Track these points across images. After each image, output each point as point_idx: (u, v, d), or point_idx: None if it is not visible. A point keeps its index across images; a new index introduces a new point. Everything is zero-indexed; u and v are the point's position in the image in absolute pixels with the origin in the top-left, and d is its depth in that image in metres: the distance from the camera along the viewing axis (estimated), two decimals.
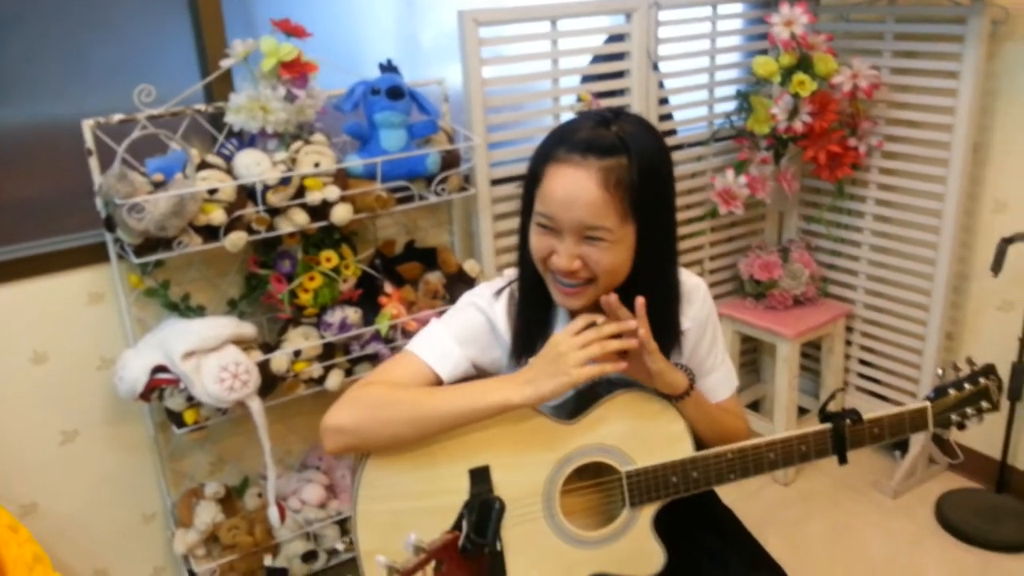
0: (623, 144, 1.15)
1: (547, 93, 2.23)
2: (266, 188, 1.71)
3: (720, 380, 1.40)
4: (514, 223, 2.19)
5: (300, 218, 1.77)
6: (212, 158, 1.73)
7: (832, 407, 1.32)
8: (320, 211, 1.79)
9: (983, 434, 2.46)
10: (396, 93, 1.87)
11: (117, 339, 1.82)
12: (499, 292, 1.32)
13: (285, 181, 1.73)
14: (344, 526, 1.97)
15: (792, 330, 2.45)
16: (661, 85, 2.40)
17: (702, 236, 2.63)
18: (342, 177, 1.82)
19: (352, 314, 1.87)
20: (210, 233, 1.70)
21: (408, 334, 1.92)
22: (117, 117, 1.70)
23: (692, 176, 2.54)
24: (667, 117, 2.47)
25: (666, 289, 1.28)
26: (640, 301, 1.17)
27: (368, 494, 1.19)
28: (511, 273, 1.34)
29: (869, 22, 2.44)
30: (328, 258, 1.85)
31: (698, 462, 1.25)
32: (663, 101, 2.44)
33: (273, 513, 1.80)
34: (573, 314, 1.24)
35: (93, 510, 1.89)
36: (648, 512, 1.26)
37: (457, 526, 0.86)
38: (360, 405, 1.19)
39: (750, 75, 2.42)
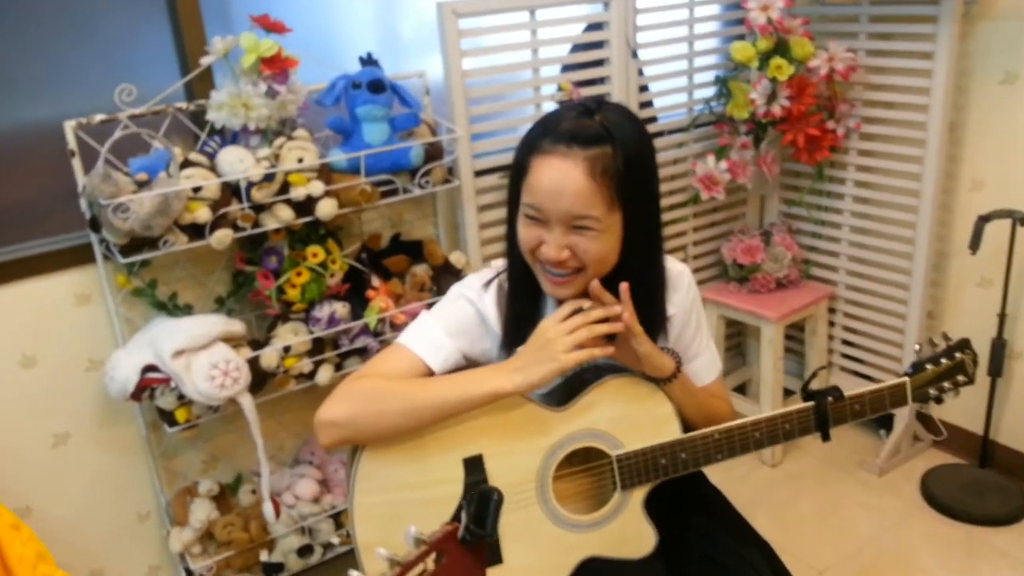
0: (607, 133, 1.16)
1: (528, 83, 2.24)
2: (250, 185, 1.72)
3: (705, 364, 1.43)
4: (499, 214, 2.20)
5: (285, 214, 1.77)
6: (195, 156, 1.73)
7: (815, 385, 1.34)
8: (305, 207, 1.79)
9: (966, 411, 2.50)
10: (377, 87, 1.87)
11: (106, 340, 1.82)
12: (488, 283, 1.33)
13: (269, 177, 1.73)
14: (339, 520, 1.98)
15: (776, 313, 2.48)
16: (641, 73, 2.42)
17: (685, 222, 2.65)
18: (326, 172, 1.82)
19: (340, 308, 1.88)
20: (196, 231, 1.70)
21: (396, 327, 1.93)
22: (99, 117, 1.69)
23: (674, 163, 2.56)
24: (647, 104, 2.49)
25: (652, 275, 1.30)
26: (624, 286, 1.18)
27: (364, 487, 1.21)
28: (499, 264, 1.35)
29: (844, 5, 2.46)
30: (314, 253, 1.85)
31: (686, 443, 1.28)
32: (643, 88, 2.45)
33: (268, 509, 1.81)
34: (561, 302, 1.25)
35: (87, 511, 1.90)
36: (639, 494, 1.29)
37: (456, 517, 0.87)
38: (353, 398, 1.20)
39: (728, 61, 2.44)
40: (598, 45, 2.32)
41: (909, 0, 2.27)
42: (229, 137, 1.82)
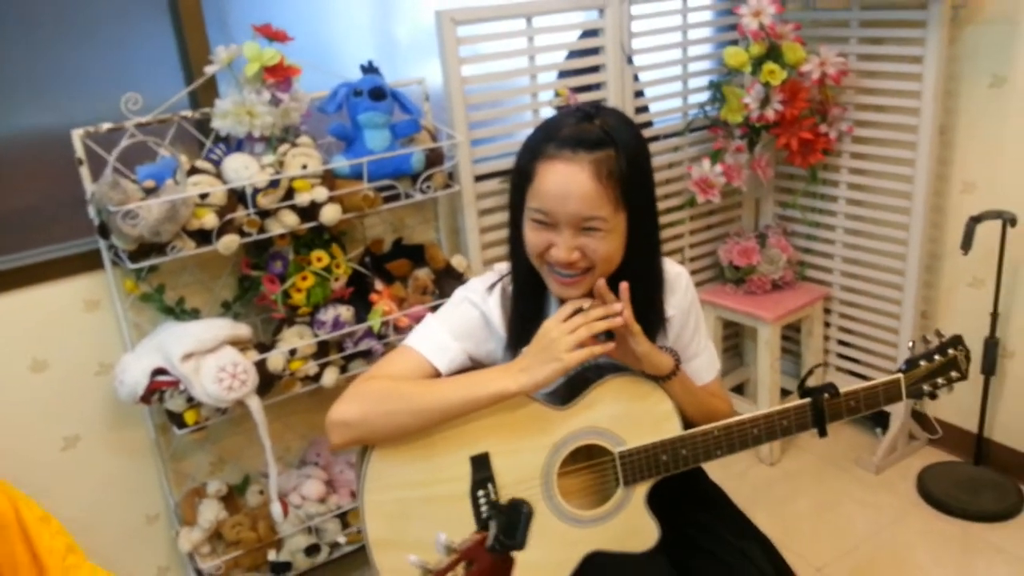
0: (609, 137, 1.20)
1: (526, 89, 2.28)
2: (256, 191, 1.75)
3: (704, 364, 1.46)
4: (499, 218, 2.24)
5: (290, 219, 1.80)
6: (201, 163, 1.76)
7: (811, 383, 1.38)
8: (309, 212, 1.82)
9: (960, 409, 2.54)
10: (378, 94, 1.91)
11: (114, 344, 1.85)
12: (492, 287, 1.36)
13: (274, 184, 1.76)
14: (345, 520, 2.01)
15: (772, 313, 2.51)
16: (636, 78, 2.46)
17: (681, 225, 2.69)
18: (329, 178, 1.85)
19: (345, 312, 1.91)
20: (202, 237, 1.73)
21: (400, 330, 1.96)
22: (106, 126, 1.72)
23: (669, 167, 2.60)
24: (643, 109, 2.53)
25: (651, 276, 1.33)
26: (624, 285, 1.22)
27: (374, 485, 1.24)
28: (502, 267, 1.38)
29: (835, 10, 2.51)
30: (319, 258, 1.88)
31: (687, 440, 1.31)
32: (639, 94, 2.49)
33: (276, 509, 1.84)
34: (563, 304, 1.28)
35: (97, 513, 1.92)
36: (641, 490, 1.32)
37: (483, 526, 0.89)
38: (364, 399, 1.23)
39: (722, 66, 2.49)
40: (594, 51, 2.36)
41: (899, 5, 2.31)
42: (234, 144, 1.85)
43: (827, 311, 2.72)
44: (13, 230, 1.82)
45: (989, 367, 2.33)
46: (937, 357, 1.42)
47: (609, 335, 1.25)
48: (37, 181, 1.85)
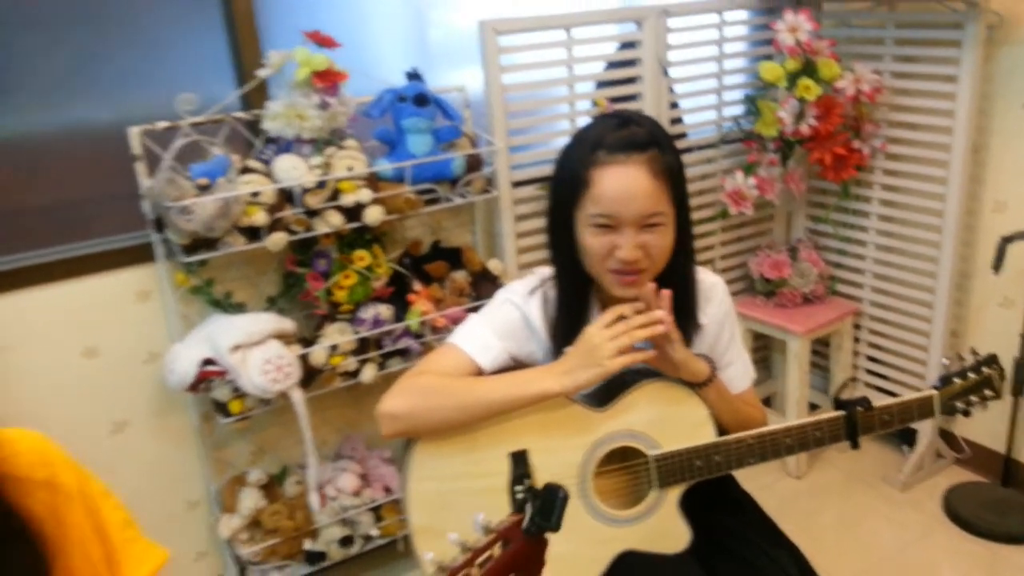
0: (653, 138, 1.27)
1: (564, 99, 2.32)
2: (304, 191, 1.81)
3: (738, 373, 1.49)
4: (534, 224, 2.28)
5: (335, 219, 1.86)
6: (252, 163, 1.82)
7: (844, 396, 1.40)
8: (354, 213, 1.88)
9: (988, 429, 2.54)
10: (422, 100, 1.96)
11: (163, 334, 1.91)
12: (533, 291, 1.40)
13: (321, 184, 1.82)
14: (378, 513, 2.06)
15: (802, 327, 2.53)
16: (671, 90, 2.49)
17: (712, 236, 2.72)
18: (373, 180, 1.91)
19: (384, 310, 1.96)
20: (251, 234, 1.79)
21: (437, 330, 2.01)
22: (163, 124, 1.79)
23: (702, 178, 2.63)
24: (678, 121, 2.56)
25: (687, 283, 1.38)
26: (666, 293, 1.26)
27: (418, 475, 1.29)
28: (543, 272, 1.42)
29: (870, 28, 2.53)
30: (361, 257, 1.94)
31: (720, 447, 1.34)
32: (673, 105, 2.53)
33: (314, 499, 1.89)
34: (605, 308, 1.33)
35: (139, 497, 1.97)
36: (675, 493, 1.35)
37: (520, 509, 0.93)
38: (412, 393, 1.28)
39: (757, 80, 2.52)
40: (631, 63, 2.40)
41: (934, 24, 2.33)
42: (283, 145, 1.90)
43: (857, 326, 2.74)
44: (65, 221, 1.88)
45: (1018, 388, 2.32)
46: (971, 375, 1.44)
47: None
48: (88, 174, 1.91)
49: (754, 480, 1.55)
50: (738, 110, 2.63)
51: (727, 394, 1.41)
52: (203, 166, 1.77)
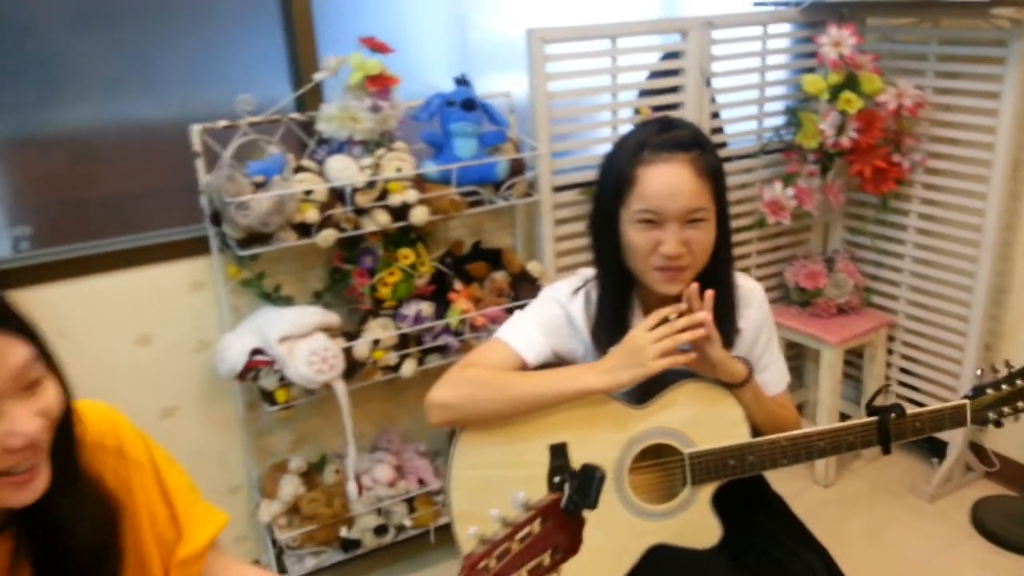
0: (696, 139, 1.33)
1: (607, 106, 2.37)
2: (354, 190, 1.87)
3: (773, 377, 1.52)
4: (573, 228, 2.33)
5: (382, 218, 1.92)
6: (306, 162, 1.90)
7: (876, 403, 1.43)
8: (400, 212, 1.94)
9: (1019, 443, 2.53)
10: (469, 105, 2.02)
11: (213, 324, 1.99)
12: (576, 291, 1.45)
13: (371, 184, 1.88)
14: (412, 504, 2.11)
15: (836, 337, 2.55)
16: (713, 100, 2.53)
17: (749, 245, 2.74)
18: (420, 182, 1.97)
19: (426, 308, 2.02)
20: (302, 230, 1.86)
21: (476, 328, 2.06)
22: (222, 123, 1.87)
23: (742, 187, 2.66)
24: (719, 131, 2.60)
25: (726, 285, 1.41)
26: (709, 293, 1.31)
27: (461, 463, 1.34)
28: (586, 273, 1.47)
29: (913, 43, 2.54)
30: (405, 255, 2.00)
31: (754, 447, 1.37)
32: (715, 115, 2.56)
33: (352, 488, 1.95)
34: (647, 310, 1.37)
35: None
36: (707, 491, 1.39)
37: (558, 488, 0.97)
38: (461, 385, 1.34)
39: (799, 92, 2.54)
40: (674, 73, 2.44)
41: (978, 42, 2.34)
42: (335, 146, 1.97)
43: (891, 338, 2.74)
44: (123, 213, 1.97)
45: None
46: (1005, 386, 1.45)
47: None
48: (147, 168, 2.00)
49: (783, 486, 1.58)
50: (779, 121, 2.66)
51: (762, 396, 1.44)
52: (260, 164, 1.85)
